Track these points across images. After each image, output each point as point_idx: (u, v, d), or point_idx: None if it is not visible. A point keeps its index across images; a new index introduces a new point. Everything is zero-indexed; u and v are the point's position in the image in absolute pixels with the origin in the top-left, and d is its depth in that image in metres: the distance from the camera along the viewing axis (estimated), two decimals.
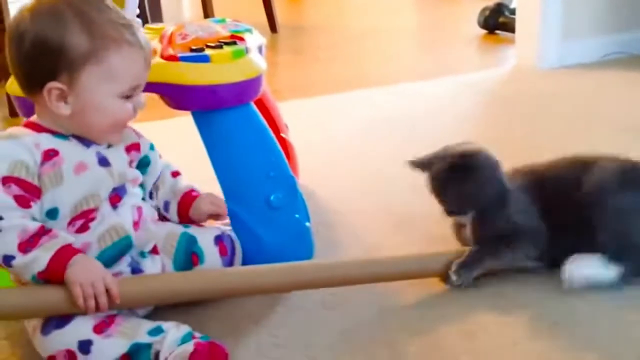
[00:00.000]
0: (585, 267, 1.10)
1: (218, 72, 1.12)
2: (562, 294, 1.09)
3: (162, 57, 1.14)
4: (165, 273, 1.08)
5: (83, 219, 0.98)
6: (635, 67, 2.36)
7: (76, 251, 0.94)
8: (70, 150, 0.98)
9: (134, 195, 1.05)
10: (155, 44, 1.19)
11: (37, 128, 0.99)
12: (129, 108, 1.00)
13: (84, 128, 0.99)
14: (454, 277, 1.10)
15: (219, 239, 1.12)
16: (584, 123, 1.87)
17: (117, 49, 0.95)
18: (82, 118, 0.98)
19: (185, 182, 1.16)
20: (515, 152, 1.66)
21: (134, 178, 1.06)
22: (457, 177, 1.13)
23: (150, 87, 1.13)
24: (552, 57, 2.44)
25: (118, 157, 1.03)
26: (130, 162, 1.06)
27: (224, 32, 1.23)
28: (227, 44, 1.17)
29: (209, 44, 1.16)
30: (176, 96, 1.14)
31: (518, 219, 1.13)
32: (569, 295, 1.09)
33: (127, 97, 0.99)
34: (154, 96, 1.19)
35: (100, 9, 0.97)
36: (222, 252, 1.11)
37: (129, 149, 1.06)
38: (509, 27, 2.84)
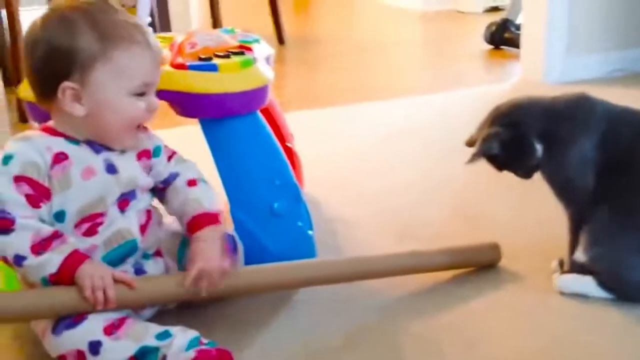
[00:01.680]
0: (578, 286, 1.12)
1: (226, 81, 1.14)
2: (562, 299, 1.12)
3: (171, 65, 1.16)
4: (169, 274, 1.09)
5: (89, 222, 1.01)
6: (638, 84, 2.37)
7: (86, 256, 0.97)
8: (79, 155, 1.01)
9: (142, 200, 1.07)
10: (165, 53, 1.21)
11: (52, 132, 1.02)
12: (141, 107, 1.02)
13: (100, 130, 1.01)
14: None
15: None
16: None
17: (126, 47, 0.99)
18: (97, 119, 1.00)
19: (200, 193, 1.10)
20: None
21: (145, 185, 1.08)
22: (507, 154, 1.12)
23: (160, 94, 1.15)
24: (556, 72, 2.46)
25: (128, 164, 1.05)
26: (144, 169, 1.08)
27: (232, 42, 1.25)
28: (235, 53, 1.19)
29: (217, 53, 1.19)
30: (184, 104, 1.17)
31: (572, 174, 1.10)
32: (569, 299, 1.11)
33: (139, 95, 1.01)
34: (163, 104, 1.21)
35: (107, 11, 1.01)
36: None
37: (140, 155, 1.08)
38: (515, 43, 2.87)
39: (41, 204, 0.97)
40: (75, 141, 1.01)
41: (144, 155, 1.09)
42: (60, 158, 0.99)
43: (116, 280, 0.96)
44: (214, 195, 1.11)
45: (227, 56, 1.18)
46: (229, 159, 1.19)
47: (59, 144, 1.00)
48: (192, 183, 1.11)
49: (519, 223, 1.39)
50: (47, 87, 1.00)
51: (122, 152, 1.05)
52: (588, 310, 1.09)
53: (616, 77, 2.47)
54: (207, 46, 1.21)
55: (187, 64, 1.15)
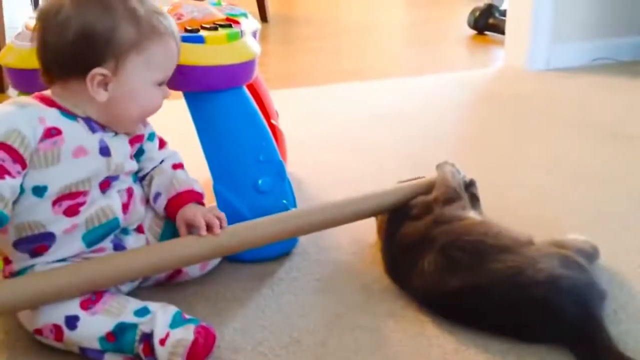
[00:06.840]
0: None
1: (212, 53, 1.12)
2: None
3: None
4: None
5: (70, 201, 0.97)
6: (621, 73, 2.39)
7: None
8: (74, 132, 0.96)
9: (124, 182, 1.05)
10: None
11: (48, 102, 0.97)
12: (160, 96, 1.01)
13: (114, 116, 0.99)
14: None
15: None
16: (568, 126, 1.90)
17: (159, 39, 0.98)
18: (117, 106, 0.98)
19: (186, 176, 1.12)
20: (498, 151, 1.68)
21: (130, 169, 1.05)
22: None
23: None
24: (540, 59, 2.46)
25: (120, 149, 1.02)
26: (131, 155, 1.06)
27: (219, 14, 1.23)
28: (222, 26, 1.17)
29: (204, 25, 1.16)
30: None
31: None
32: None
33: (159, 85, 1.01)
34: None
35: None
36: None
37: (132, 141, 1.05)
38: (499, 29, 2.87)
39: (5, 176, 0.89)
40: (72, 116, 0.97)
41: (137, 140, 1.07)
42: (52, 133, 0.94)
43: None
44: (198, 183, 1.12)
45: (214, 28, 1.16)
46: (214, 134, 1.17)
47: (54, 117, 0.95)
48: (178, 166, 1.13)
49: (498, 205, 1.39)
50: (70, 68, 0.95)
51: (116, 134, 1.02)
52: None
53: (599, 65, 2.49)
54: (193, 18, 1.19)
55: None
